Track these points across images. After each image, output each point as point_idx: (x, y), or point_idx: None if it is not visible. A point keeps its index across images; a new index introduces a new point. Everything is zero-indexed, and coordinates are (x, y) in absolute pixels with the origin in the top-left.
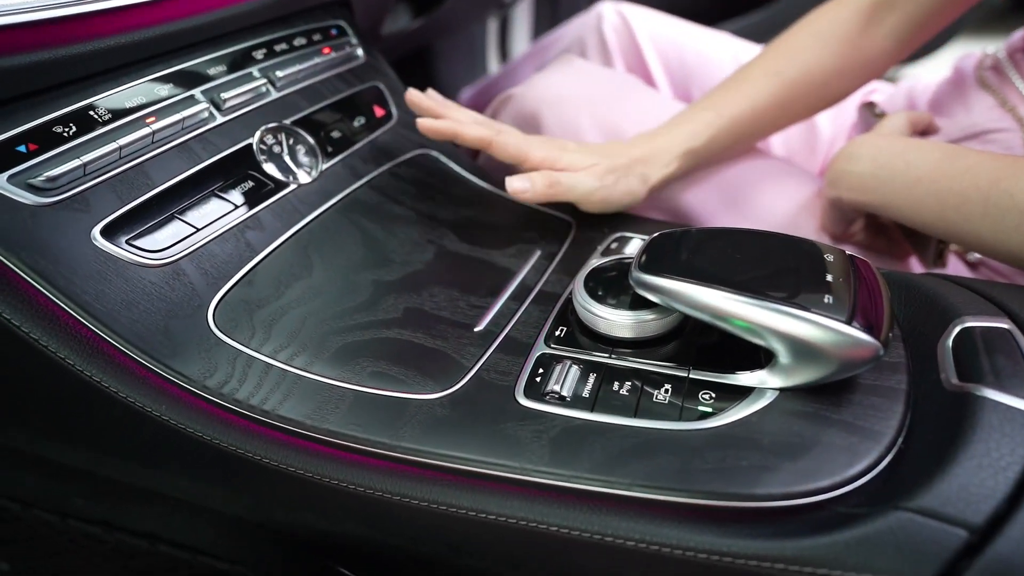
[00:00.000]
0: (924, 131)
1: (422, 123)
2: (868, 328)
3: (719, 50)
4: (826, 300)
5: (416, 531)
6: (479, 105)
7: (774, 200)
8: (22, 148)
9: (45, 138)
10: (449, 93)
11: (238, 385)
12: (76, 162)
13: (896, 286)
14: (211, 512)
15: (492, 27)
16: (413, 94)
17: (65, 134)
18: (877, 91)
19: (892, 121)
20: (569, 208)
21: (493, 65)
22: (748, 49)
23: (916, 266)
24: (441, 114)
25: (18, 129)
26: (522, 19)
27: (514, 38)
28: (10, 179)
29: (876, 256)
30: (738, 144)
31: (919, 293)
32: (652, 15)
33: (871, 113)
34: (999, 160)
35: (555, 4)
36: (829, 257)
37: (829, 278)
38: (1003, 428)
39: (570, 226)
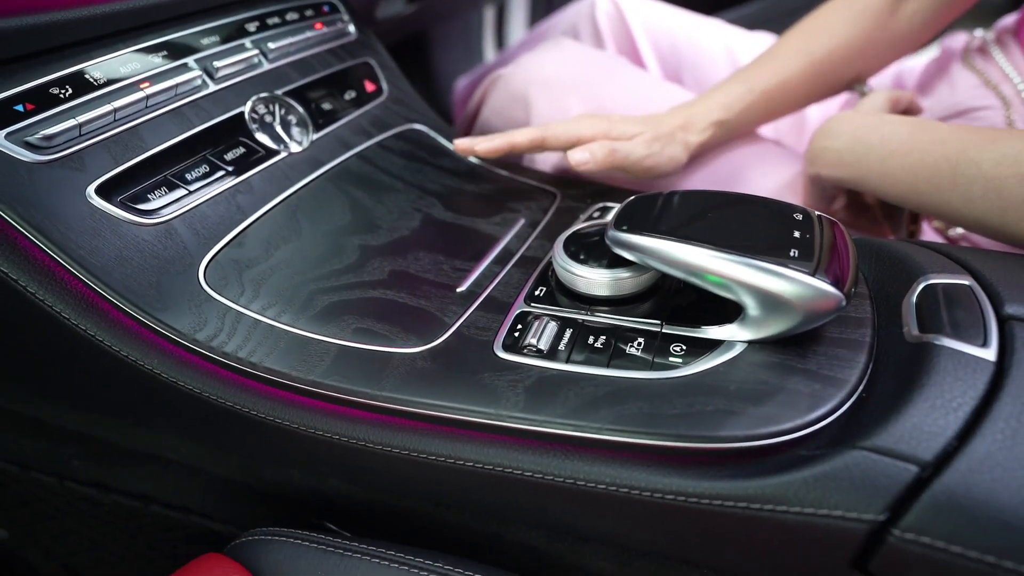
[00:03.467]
0: (907, 110)
1: (480, 148)
2: (832, 281)
3: (711, 38)
4: (792, 254)
5: (397, 483)
6: (473, 94)
7: (758, 179)
8: (20, 107)
9: (42, 98)
10: (446, 80)
11: (227, 339)
12: (72, 122)
13: (867, 249)
14: (202, 472)
15: (488, 14)
16: (464, 143)
17: (62, 95)
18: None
19: (872, 98)
20: (553, 180)
21: (489, 52)
22: (740, 37)
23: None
24: (495, 146)
25: (16, 89)
26: (518, 6)
27: (510, 25)
28: (7, 136)
29: (858, 234)
30: (768, 116)
31: (888, 254)
32: (645, 3)
33: (859, 92)
34: (967, 131)
35: None
36: (797, 216)
37: (796, 234)
38: (956, 372)
39: (554, 196)
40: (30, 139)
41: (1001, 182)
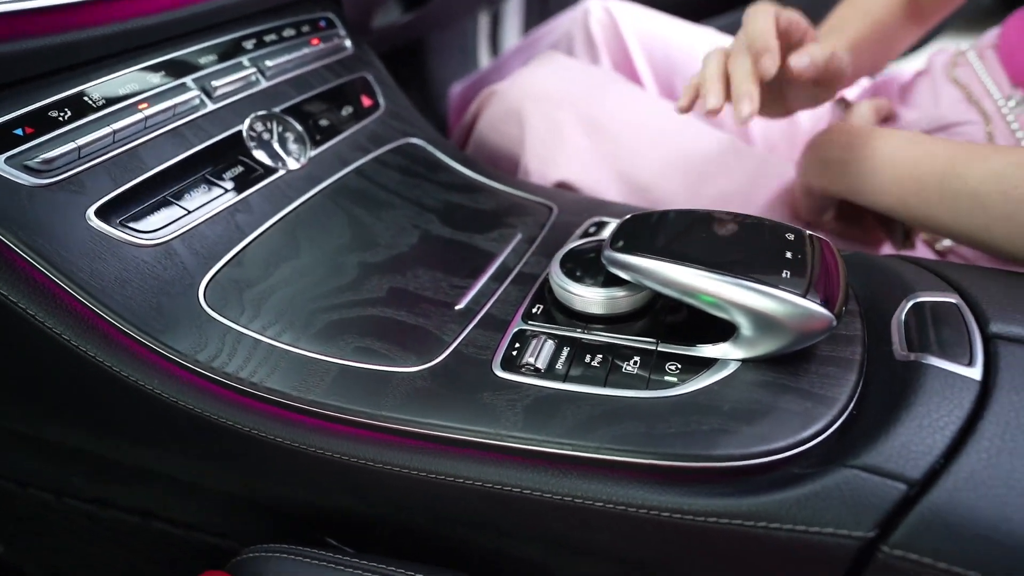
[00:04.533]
0: (885, 117)
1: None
2: (823, 301)
3: (705, 46)
4: (784, 274)
5: (398, 499)
6: (468, 100)
7: (750, 191)
8: (19, 131)
9: (41, 122)
10: (442, 87)
11: (227, 359)
12: (71, 145)
13: (858, 266)
14: (203, 489)
15: (483, 22)
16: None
17: (60, 118)
18: (858, 83)
19: (859, 109)
20: (549, 194)
21: (484, 59)
22: (728, 40)
23: (889, 252)
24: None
25: (15, 113)
26: (513, 13)
27: (505, 32)
28: (7, 160)
29: (849, 242)
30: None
31: (878, 271)
32: (639, 11)
33: (842, 108)
34: (955, 146)
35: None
36: (789, 236)
37: (788, 255)
38: (943, 392)
39: (550, 211)
40: (30, 163)
41: (986, 198)
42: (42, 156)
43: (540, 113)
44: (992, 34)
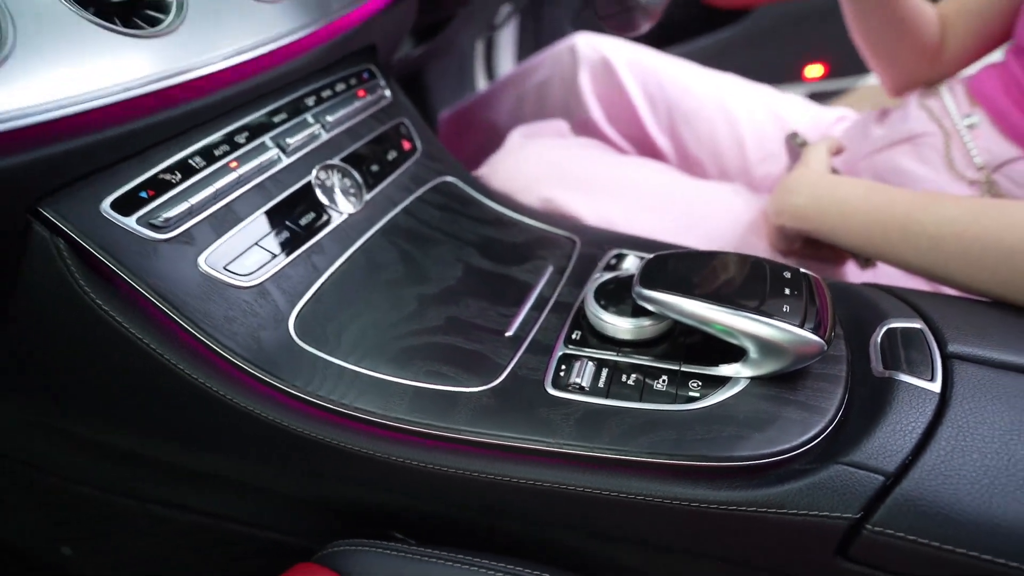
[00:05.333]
0: (837, 151)
1: None
2: (816, 330)
3: (696, 80)
4: (784, 309)
5: (462, 498)
6: (457, 127)
7: (725, 224)
8: (144, 194)
9: (159, 185)
10: (439, 109)
11: (320, 384)
12: (184, 204)
13: (841, 295)
14: (276, 493)
15: (479, 47)
16: None
17: (173, 181)
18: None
19: (816, 152)
20: (571, 227)
21: (481, 81)
22: (724, 80)
23: (852, 267)
24: None
25: (140, 179)
26: (507, 40)
27: (499, 57)
28: (137, 221)
29: (818, 264)
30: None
31: (859, 300)
32: (624, 45)
33: (795, 142)
34: (911, 195)
35: (538, 25)
36: (787, 275)
37: (787, 291)
38: (911, 402)
39: (574, 243)
40: (153, 221)
41: (941, 240)
42: (163, 216)
43: (527, 192)
44: (964, 74)
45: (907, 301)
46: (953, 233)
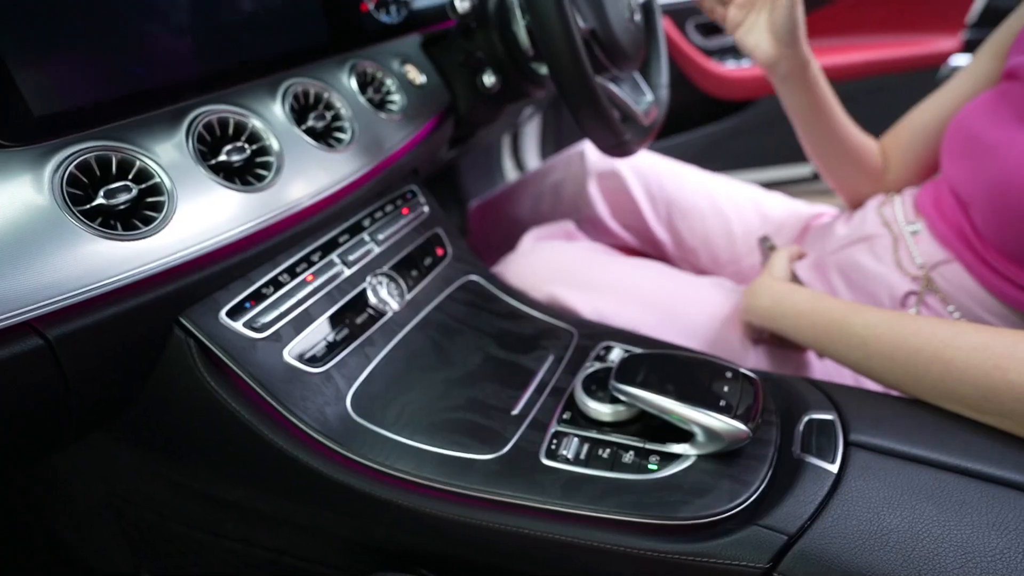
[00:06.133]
0: (798, 257)
1: None
2: (745, 421)
3: (691, 180)
4: (722, 403)
5: (476, 543)
6: (484, 217)
7: (704, 318)
8: (248, 304)
9: (258, 297)
10: (471, 196)
11: (369, 449)
12: (276, 312)
13: (779, 387)
14: (330, 534)
15: (506, 140)
16: None
17: (267, 293)
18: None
19: (779, 259)
20: (571, 320)
21: (509, 170)
22: (717, 183)
23: (812, 354)
24: None
25: (246, 292)
26: (531, 134)
27: (526, 148)
28: (243, 324)
29: (783, 351)
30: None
31: (792, 392)
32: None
33: (765, 246)
34: (845, 304)
35: (558, 118)
36: (728, 375)
37: (726, 389)
38: (814, 479)
39: (572, 335)
40: (254, 324)
41: (865, 341)
42: (261, 320)
43: (536, 289)
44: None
45: (828, 395)
46: (875, 336)
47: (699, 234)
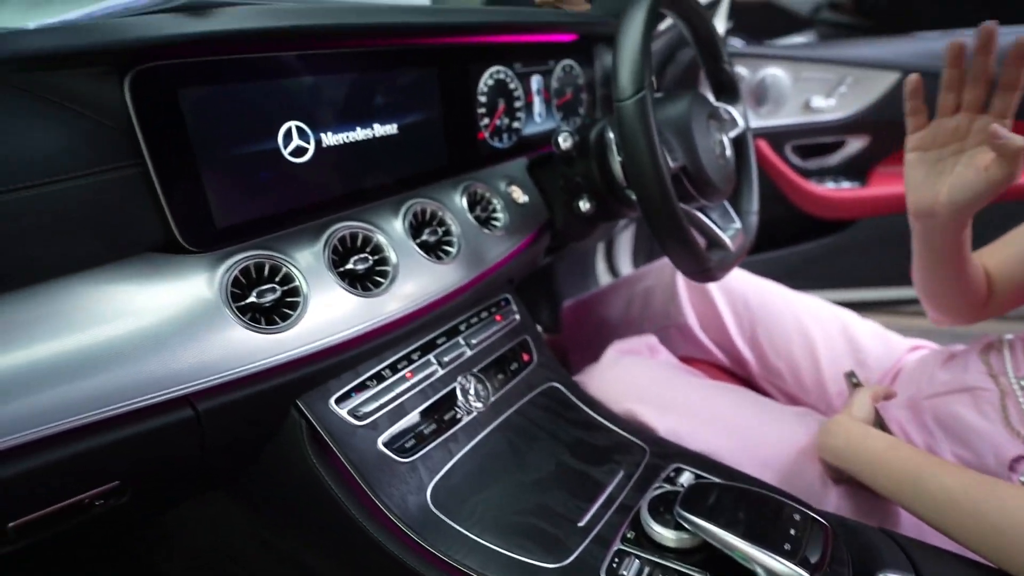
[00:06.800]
0: (886, 397)
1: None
2: (810, 568)
3: (778, 299)
4: (786, 547)
5: None
6: (576, 316)
7: (782, 449)
8: (353, 394)
9: (362, 388)
10: (564, 297)
11: (440, 541)
12: (377, 403)
13: (851, 535)
14: None
15: (600, 245)
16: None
17: (371, 385)
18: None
19: (861, 399)
20: (645, 436)
21: (602, 273)
22: (801, 301)
23: None
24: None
25: (352, 384)
26: (625, 240)
27: (619, 253)
28: (348, 412)
29: (865, 492)
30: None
31: (867, 543)
32: None
33: (850, 381)
34: (922, 458)
35: None
36: (797, 517)
37: (792, 532)
38: None
39: (645, 452)
40: (356, 413)
41: (941, 504)
42: (363, 410)
43: (614, 402)
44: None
45: (907, 553)
46: (950, 500)
47: (783, 356)
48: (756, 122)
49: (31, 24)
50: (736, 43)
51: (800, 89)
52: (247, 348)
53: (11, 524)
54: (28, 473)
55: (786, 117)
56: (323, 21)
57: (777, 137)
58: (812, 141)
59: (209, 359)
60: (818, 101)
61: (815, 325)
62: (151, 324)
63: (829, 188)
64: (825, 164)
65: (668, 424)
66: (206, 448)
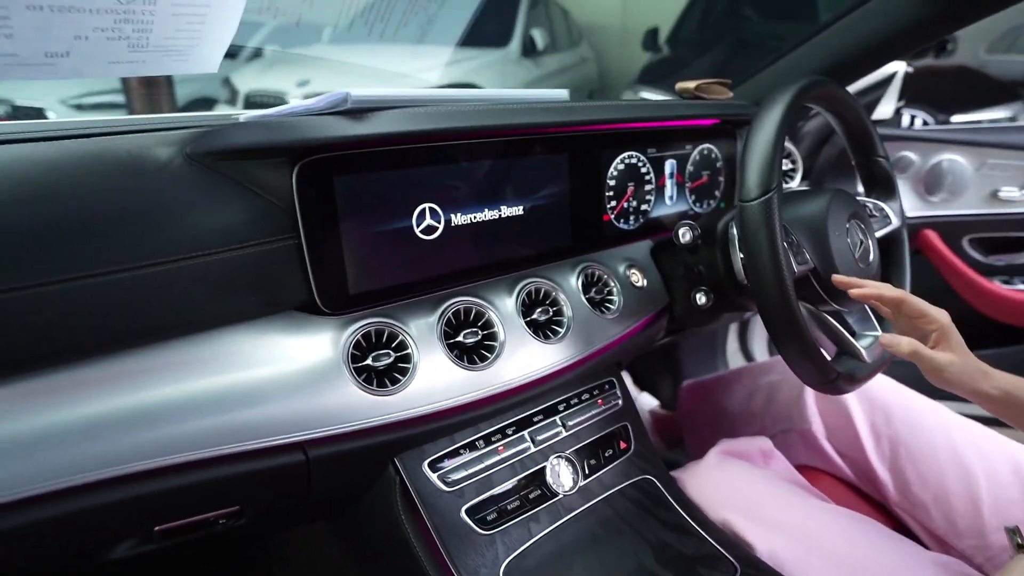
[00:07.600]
0: None
1: (853, 293)
2: None
3: (930, 419)
4: None
5: None
6: (694, 398)
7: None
8: (445, 461)
9: (455, 455)
10: (685, 376)
11: None
12: (465, 472)
13: None
14: None
15: (733, 324)
16: (842, 280)
17: (463, 454)
18: None
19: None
20: (738, 554)
21: (733, 353)
22: (964, 425)
23: None
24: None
25: (445, 451)
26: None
27: (754, 335)
28: (438, 476)
29: None
30: None
31: None
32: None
33: (1013, 541)
34: None
35: None
36: None
37: None
38: None
39: (735, 571)
40: (446, 478)
41: None
42: (452, 476)
43: (711, 508)
44: None
45: None
46: None
47: (932, 488)
48: (926, 211)
49: (242, 117)
50: (916, 115)
51: (984, 176)
52: (359, 406)
53: (157, 528)
54: (177, 490)
55: (965, 207)
56: (464, 124)
57: (952, 228)
58: (999, 235)
59: (325, 412)
60: (1010, 192)
61: (975, 455)
62: (284, 373)
63: (1017, 289)
64: (1015, 262)
65: (769, 545)
66: (312, 490)
